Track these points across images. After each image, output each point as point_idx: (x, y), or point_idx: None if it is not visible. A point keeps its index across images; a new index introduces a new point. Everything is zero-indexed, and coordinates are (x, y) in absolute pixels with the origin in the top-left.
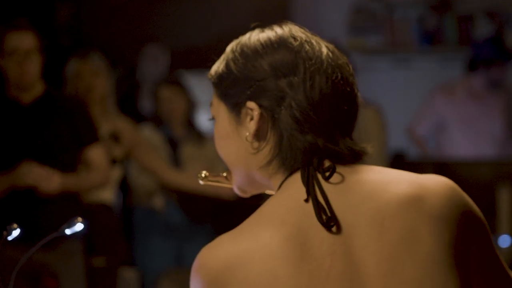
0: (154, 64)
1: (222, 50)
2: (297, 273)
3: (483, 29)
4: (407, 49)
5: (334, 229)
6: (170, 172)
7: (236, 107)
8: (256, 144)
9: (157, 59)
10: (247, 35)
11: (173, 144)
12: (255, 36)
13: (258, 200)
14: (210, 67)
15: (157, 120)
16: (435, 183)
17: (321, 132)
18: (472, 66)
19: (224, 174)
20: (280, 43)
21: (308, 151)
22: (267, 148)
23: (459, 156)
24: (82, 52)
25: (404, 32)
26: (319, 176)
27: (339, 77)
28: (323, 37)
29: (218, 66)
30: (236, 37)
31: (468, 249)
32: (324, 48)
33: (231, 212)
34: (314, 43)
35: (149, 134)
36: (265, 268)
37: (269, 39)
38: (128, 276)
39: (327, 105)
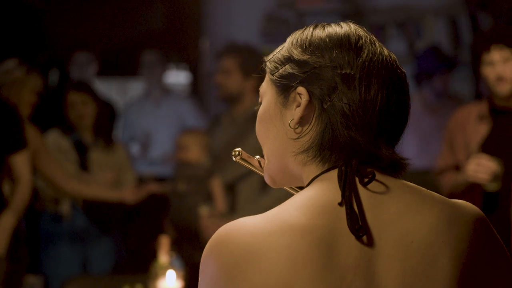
0: (82, 71)
1: (134, 56)
2: (318, 280)
3: (394, 40)
4: None
5: (364, 239)
6: (68, 181)
7: (285, 91)
8: (298, 130)
9: (84, 66)
10: (310, 29)
11: (81, 150)
12: (319, 30)
13: (160, 211)
14: (122, 74)
15: (66, 126)
16: (467, 211)
17: (365, 132)
18: (418, 79)
19: (257, 157)
20: (344, 39)
21: (348, 147)
22: (308, 136)
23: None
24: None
25: None
26: (357, 180)
27: (396, 85)
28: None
29: (275, 53)
30: (149, 41)
31: (487, 283)
32: (386, 52)
33: (137, 219)
34: (378, 46)
35: (56, 139)
36: (288, 267)
37: (334, 33)
38: (33, 282)
39: (377, 108)
